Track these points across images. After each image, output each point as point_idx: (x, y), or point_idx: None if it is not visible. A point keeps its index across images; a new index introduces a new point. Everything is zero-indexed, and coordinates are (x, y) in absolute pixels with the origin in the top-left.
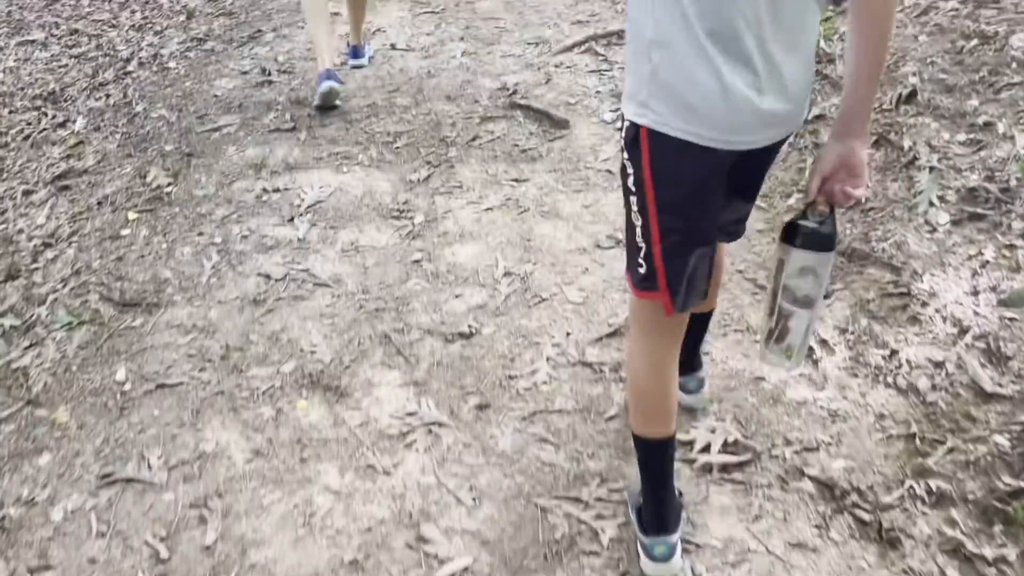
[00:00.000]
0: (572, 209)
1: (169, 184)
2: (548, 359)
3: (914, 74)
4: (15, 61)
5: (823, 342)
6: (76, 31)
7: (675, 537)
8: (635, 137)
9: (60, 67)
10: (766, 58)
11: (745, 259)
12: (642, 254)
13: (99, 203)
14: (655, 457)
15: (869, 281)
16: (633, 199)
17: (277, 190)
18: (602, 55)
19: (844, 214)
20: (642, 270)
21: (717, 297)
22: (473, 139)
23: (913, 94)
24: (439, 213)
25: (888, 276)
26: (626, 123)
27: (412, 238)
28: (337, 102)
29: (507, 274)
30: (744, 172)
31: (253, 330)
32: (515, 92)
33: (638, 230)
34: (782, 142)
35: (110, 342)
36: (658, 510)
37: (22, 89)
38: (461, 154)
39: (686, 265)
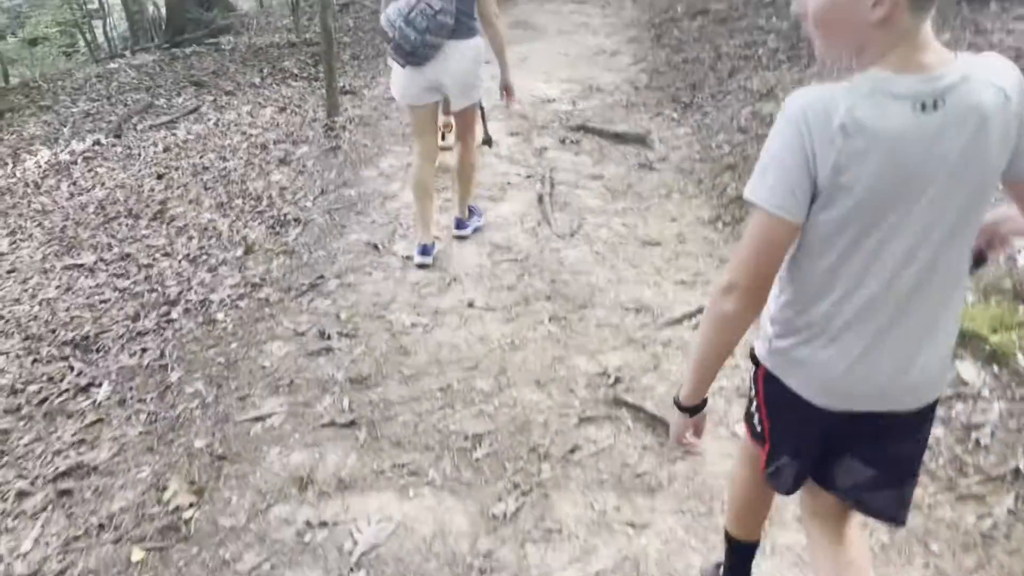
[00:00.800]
0: None
1: (191, 505)
2: None
3: None
4: (56, 289)
5: None
6: (128, 256)
7: None
8: (757, 363)
9: (102, 302)
10: (885, 336)
11: None
12: (756, 419)
13: (101, 526)
14: (742, 555)
15: None
16: (751, 391)
17: (324, 524)
18: None
19: None
20: (757, 428)
21: None
22: (571, 451)
23: None
24: None
25: None
26: (753, 348)
27: None
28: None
29: None
30: (867, 436)
31: None
32: (618, 381)
33: (753, 403)
34: (919, 418)
35: None
36: None
37: (53, 331)
38: (557, 474)
39: (789, 463)
